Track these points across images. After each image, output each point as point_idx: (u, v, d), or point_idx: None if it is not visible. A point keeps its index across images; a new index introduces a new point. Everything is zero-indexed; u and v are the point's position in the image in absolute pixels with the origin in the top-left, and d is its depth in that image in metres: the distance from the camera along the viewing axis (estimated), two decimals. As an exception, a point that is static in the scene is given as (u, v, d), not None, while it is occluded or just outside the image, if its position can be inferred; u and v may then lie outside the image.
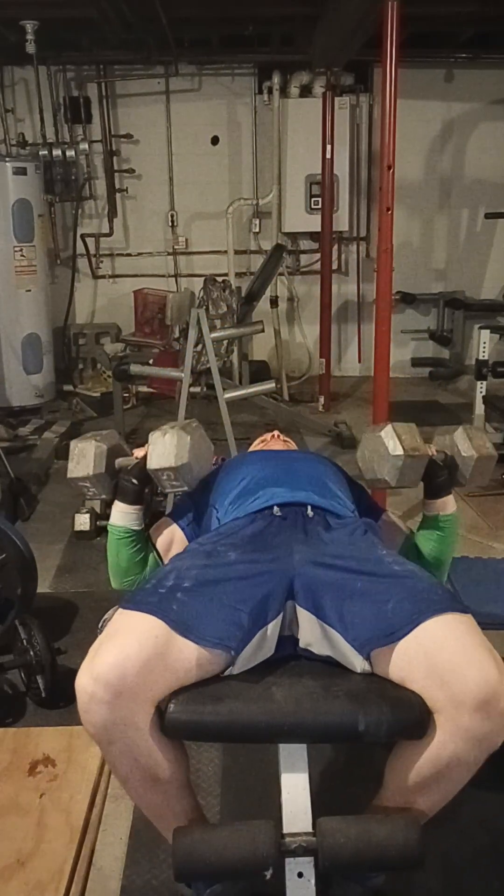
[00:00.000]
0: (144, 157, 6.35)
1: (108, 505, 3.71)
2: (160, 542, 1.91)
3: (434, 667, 1.32)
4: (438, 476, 1.84)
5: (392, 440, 1.77)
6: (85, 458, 1.83)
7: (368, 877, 1.60)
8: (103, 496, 1.89)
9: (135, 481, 1.83)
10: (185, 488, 1.80)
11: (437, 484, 1.85)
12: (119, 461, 1.87)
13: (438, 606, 1.39)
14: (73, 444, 1.87)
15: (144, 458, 1.82)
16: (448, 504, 1.87)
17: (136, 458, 1.86)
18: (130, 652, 1.33)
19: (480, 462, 1.83)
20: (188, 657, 1.38)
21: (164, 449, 1.77)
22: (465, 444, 1.84)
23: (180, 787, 1.49)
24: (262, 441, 2.28)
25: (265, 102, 6.17)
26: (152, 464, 1.78)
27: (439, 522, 1.87)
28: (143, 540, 1.88)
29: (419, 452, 1.78)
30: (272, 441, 2.25)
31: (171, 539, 1.91)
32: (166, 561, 1.85)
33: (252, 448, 2.26)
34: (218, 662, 1.42)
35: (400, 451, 1.74)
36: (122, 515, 1.86)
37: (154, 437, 1.81)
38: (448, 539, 1.89)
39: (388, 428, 1.79)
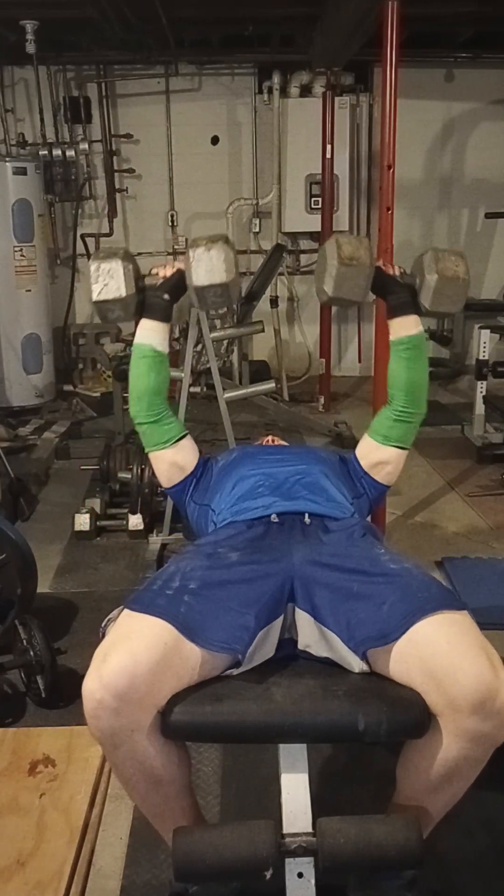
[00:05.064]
0: (144, 157, 6.35)
1: (108, 503, 3.76)
2: (183, 441, 1.91)
3: (429, 670, 1.33)
4: (396, 293, 1.80)
5: (332, 249, 1.71)
6: (114, 278, 1.73)
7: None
8: (128, 318, 1.81)
9: (167, 297, 1.77)
10: (226, 306, 1.74)
11: (396, 302, 1.81)
12: (147, 279, 1.79)
13: (431, 606, 1.39)
14: (93, 264, 1.76)
15: (178, 273, 1.75)
16: (410, 324, 1.83)
17: (161, 276, 1.80)
18: (140, 658, 1.31)
19: (443, 285, 1.73)
20: (194, 662, 1.38)
21: (211, 264, 1.67)
22: (430, 265, 1.75)
23: (182, 787, 1.50)
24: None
25: (265, 102, 6.17)
26: (200, 280, 1.69)
27: (404, 344, 1.84)
28: (165, 366, 1.85)
29: (358, 262, 1.70)
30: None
31: (190, 447, 1.93)
32: (173, 452, 1.87)
33: None
34: (222, 665, 1.43)
35: (335, 260, 1.69)
36: (150, 333, 1.82)
37: (198, 252, 1.70)
38: (417, 361, 1.86)
39: (332, 239, 1.73)
